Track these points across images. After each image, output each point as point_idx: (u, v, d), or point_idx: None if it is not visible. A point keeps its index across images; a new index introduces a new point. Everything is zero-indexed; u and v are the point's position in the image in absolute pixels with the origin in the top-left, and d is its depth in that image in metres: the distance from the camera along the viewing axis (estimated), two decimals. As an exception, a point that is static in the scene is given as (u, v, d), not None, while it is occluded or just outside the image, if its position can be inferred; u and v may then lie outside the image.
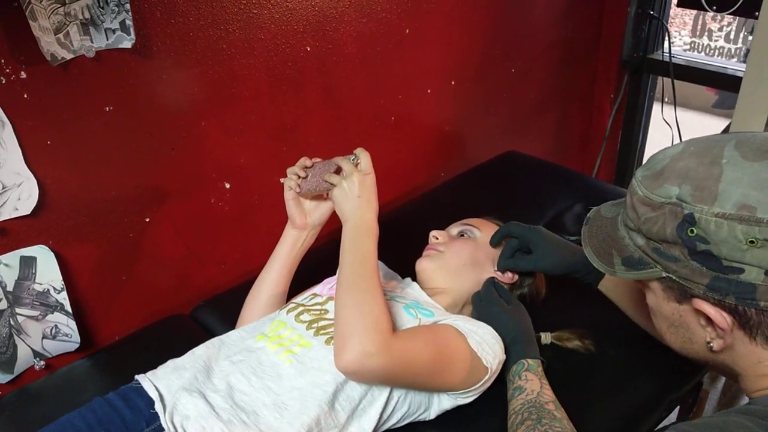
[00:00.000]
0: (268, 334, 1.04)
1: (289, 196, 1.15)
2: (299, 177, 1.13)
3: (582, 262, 1.06)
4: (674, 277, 0.72)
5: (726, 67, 2.16)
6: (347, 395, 0.95)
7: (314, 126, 1.54)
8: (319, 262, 1.23)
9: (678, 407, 1.28)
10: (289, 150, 1.50)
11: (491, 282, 1.16)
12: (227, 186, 1.42)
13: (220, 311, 1.37)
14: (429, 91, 1.79)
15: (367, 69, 1.59)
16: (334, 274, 1.18)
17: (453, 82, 1.85)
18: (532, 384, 1.00)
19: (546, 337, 1.16)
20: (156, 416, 0.91)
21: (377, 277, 0.97)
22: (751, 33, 2.13)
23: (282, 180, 1.15)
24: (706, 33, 2.22)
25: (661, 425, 1.19)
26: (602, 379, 1.13)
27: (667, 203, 0.70)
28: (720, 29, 2.21)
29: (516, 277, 1.19)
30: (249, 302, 1.21)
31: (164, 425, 0.89)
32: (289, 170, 1.14)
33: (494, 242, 1.20)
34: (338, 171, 1.07)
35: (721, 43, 2.20)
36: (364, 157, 1.05)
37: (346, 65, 1.54)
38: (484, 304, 1.13)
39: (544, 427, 0.90)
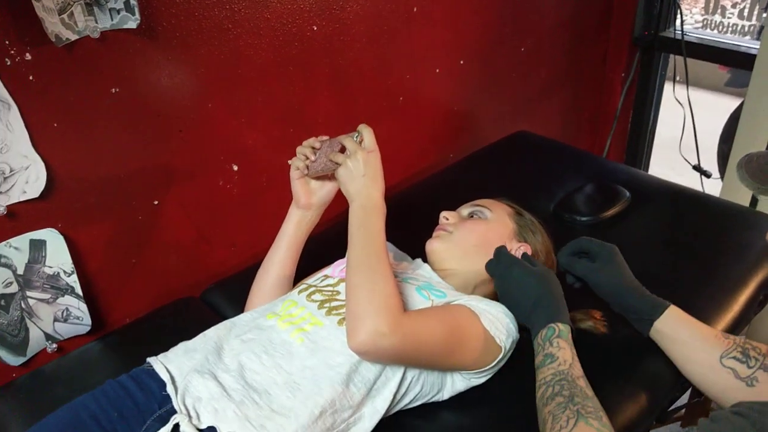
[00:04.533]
0: (279, 313, 1.04)
1: (295, 176, 1.14)
2: (307, 158, 1.11)
3: (636, 303, 1.05)
4: None
5: (739, 45, 2.12)
6: (362, 376, 0.94)
7: (321, 107, 1.52)
8: (328, 244, 1.22)
9: (690, 388, 1.27)
10: (297, 131, 1.48)
11: (502, 247, 1.12)
12: (235, 168, 1.41)
13: (230, 293, 1.37)
14: (437, 70, 1.76)
15: (375, 48, 1.57)
16: (344, 255, 1.18)
17: (462, 62, 1.82)
18: (564, 353, 0.96)
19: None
20: (168, 398, 0.91)
21: (386, 256, 0.96)
22: (765, 9, 2.09)
23: (290, 161, 1.14)
24: (719, 10, 2.18)
25: (673, 406, 1.19)
26: (615, 359, 1.12)
27: None
28: (734, 6, 2.17)
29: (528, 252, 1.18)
30: (256, 286, 1.20)
31: (176, 407, 0.89)
32: (298, 150, 1.13)
33: (563, 257, 1.12)
34: (343, 150, 1.06)
35: (734, 20, 2.16)
36: (367, 134, 1.04)
37: (354, 45, 1.52)
38: (503, 266, 1.08)
39: (576, 407, 0.87)
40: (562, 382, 0.92)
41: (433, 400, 1.04)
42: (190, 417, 0.87)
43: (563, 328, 1.00)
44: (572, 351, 0.98)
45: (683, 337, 1.03)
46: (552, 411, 0.88)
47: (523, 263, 1.09)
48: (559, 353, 0.96)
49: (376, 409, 0.96)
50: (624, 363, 1.12)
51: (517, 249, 1.18)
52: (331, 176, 1.13)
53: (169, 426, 0.86)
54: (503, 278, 1.08)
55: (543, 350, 0.98)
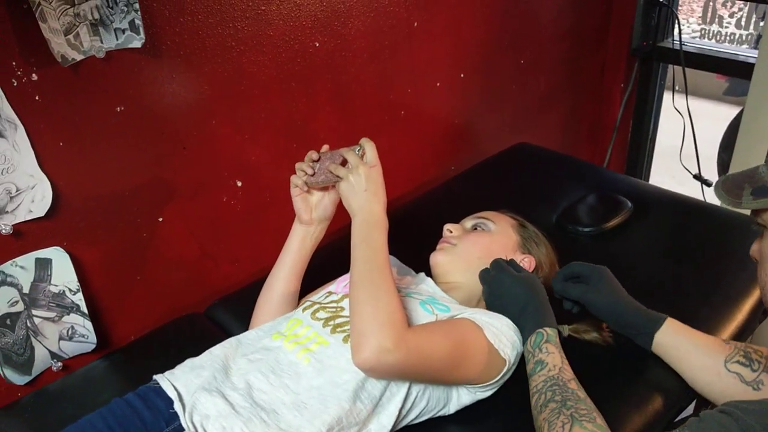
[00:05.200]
0: (284, 333, 1.04)
1: (295, 192, 1.14)
2: (306, 174, 1.12)
3: (634, 319, 1.06)
4: None
5: (737, 54, 2.13)
6: (368, 392, 0.94)
7: (324, 122, 1.53)
8: (332, 259, 1.22)
9: (696, 399, 1.27)
10: (300, 147, 1.49)
11: (500, 258, 1.14)
12: (239, 184, 1.42)
13: (235, 310, 1.37)
14: (438, 84, 1.78)
15: (376, 63, 1.58)
16: (348, 270, 1.18)
17: (462, 75, 1.83)
18: (553, 358, 0.98)
19: (564, 330, 1.15)
20: (175, 416, 0.91)
21: (389, 271, 0.97)
22: (762, 18, 2.11)
23: (292, 177, 1.14)
24: (716, 19, 2.20)
25: (679, 417, 1.18)
26: (620, 370, 1.12)
27: None
28: (731, 15, 2.19)
29: (533, 266, 1.18)
30: (261, 303, 1.20)
31: (184, 425, 0.89)
32: (297, 166, 1.14)
33: (557, 283, 1.14)
34: (344, 162, 1.06)
35: (731, 29, 2.18)
36: (369, 148, 1.04)
37: (355, 60, 1.53)
38: (494, 273, 1.11)
39: (570, 411, 0.88)
40: (554, 388, 0.93)
41: (439, 414, 1.04)
42: (197, 434, 0.87)
43: (551, 333, 1.02)
44: (561, 354, 1.00)
45: (685, 346, 1.04)
46: (547, 418, 0.90)
47: (511, 270, 1.11)
48: (548, 359, 0.98)
49: (382, 425, 0.96)
50: (629, 373, 1.12)
51: (521, 261, 1.18)
52: (332, 187, 1.13)
53: (177, 444, 0.86)
54: (491, 285, 1.11)
55: (533, 357, 1.00)
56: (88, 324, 1.24)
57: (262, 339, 1.06)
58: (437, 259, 1.18)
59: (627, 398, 1.08)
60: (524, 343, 1.03)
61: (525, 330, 1.04)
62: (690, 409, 1.31)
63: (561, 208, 1.58)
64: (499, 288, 1.09)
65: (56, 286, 1.18)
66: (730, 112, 3.04)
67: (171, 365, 1.04)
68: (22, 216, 1.10)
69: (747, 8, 2.13)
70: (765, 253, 0.79)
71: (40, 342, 1.20)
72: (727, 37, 2.18)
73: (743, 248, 1.39)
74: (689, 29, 2.37)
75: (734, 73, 2.42)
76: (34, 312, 1.17)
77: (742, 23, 2.15)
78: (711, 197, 2.14)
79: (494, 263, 1.14)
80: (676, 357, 1.05)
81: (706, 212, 1.55)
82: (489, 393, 1.04)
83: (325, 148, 1.14)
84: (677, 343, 1.04)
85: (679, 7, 2.30)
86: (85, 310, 1.23)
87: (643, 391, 1.09)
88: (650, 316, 1.07)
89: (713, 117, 2.92)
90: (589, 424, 0.86)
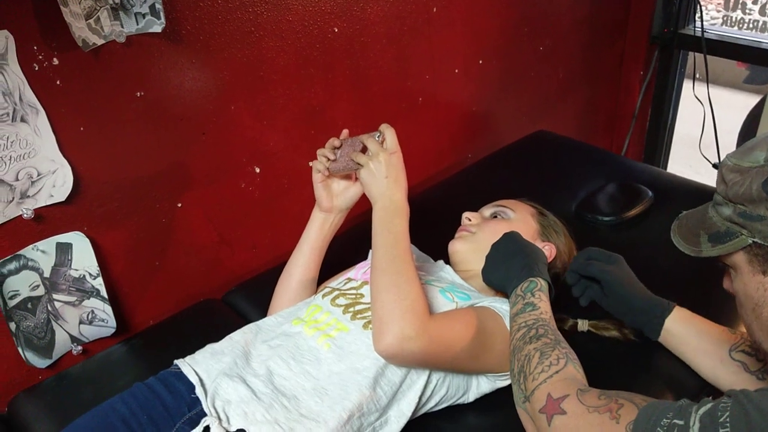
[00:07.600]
0: (304, 319, 1.04)
1: (317, 179, 1.14)
2: (328, 159, 1.11)
3: (647, 304, 1.05)
4: (759, 241, 0.71)
5: (761, 41, 2.09)
6: (388, 379, 0.94)
7: (342, 108, 1.53)
8: (351, 245, 1.22)
9: (711, 398, 1.26)
10: (318, 133, 1.48)
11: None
12: (257, 170, 1.41)
13: (253, 296, 1.37)
14: (456, 71, 1.76)
15: (395, 49, 1.57)
16: (365, 258, 1.18)
17: (480, 62, 1.82)
18: (545, 305, 0.96)
19: (583, 324, 1.14)
20: (197, 401, 0.92)
21: (411, 259, 0.96)
22: (787, 5, 2.06)
23: (311, 163, 1.14)
24: (739, 6, 2.16)
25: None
26: (638, 367, 1.11)
27: (754, 167, 0.70)
28: (754, 2, 2.14)
29: (553, 255, 1.17)
30: (279, 289, 1.20)
31: (206, 410, 0.89)
32: (318, 152, 1.13)
33: (577, 261, 1.11)
34: (365, 149, 1.05)
35: (755, 15, 2.14)
36: (389, 134, 1.03)
37: (374, 46, 1.52)
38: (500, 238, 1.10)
39: (565, 350, 0.86)
40: (546, 328, 0.91)
41: (459, 402, 1.04)
42: (220, 420, 0.88)
43: (544, 284, 1.00)
44: (550, 308, 0.98)
45: (692, 333, 1.04)
46: (539, 348, 0.87)
47: (517, 234, 1.10)
48: (540, 304, 0.96)
49: (402, 412, 0.96)
50: (647, 371, 1.11)
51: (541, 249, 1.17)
52: (353, 176, 1.13)
53: (200, 428, 0.87)
54: (495, 245, 1.09)
55: (523, 299, 0.97)
56: (108, 308, 1.25)
57: (282, 325, 1.06)
58: (456, 247, 1.18)
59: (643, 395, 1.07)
60: (513, 289, 1.00)
61: (517, 279, 1.01)
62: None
63: (580, 197, 1.57)
64: (505, 241, 1.08)
65: (76, 270, 1.19)
66: (749, 100, 3.01)
67: (190, 350, 1.04)
68: (43, 200, 1.11)
69: (771, -6, 2.09)
70: (739, 293, 0.78)
71: (60, 326, 1.21)
72: (751, 24, 2.14)
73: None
74: (707, 16, 2.33)
75: (758, 61, 2.37)
76: (54, 296, 1.18)
77: (766, 10, 2.10)
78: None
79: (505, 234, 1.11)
80: (683, 343, 1.05)
81: (727, 202, 1.53)
82: (509, 382, 1.04)
83: (344, 133, 1.13)
84: (684, 330, 1.04)
85: (701, -7, 2.26)
86: (105, 295, 1.23)
87: (658, 389, 1.08)
88: (661, 302, 1.06)
89: (732, 105, 2.89)
90: (581, 370, 0.85)
